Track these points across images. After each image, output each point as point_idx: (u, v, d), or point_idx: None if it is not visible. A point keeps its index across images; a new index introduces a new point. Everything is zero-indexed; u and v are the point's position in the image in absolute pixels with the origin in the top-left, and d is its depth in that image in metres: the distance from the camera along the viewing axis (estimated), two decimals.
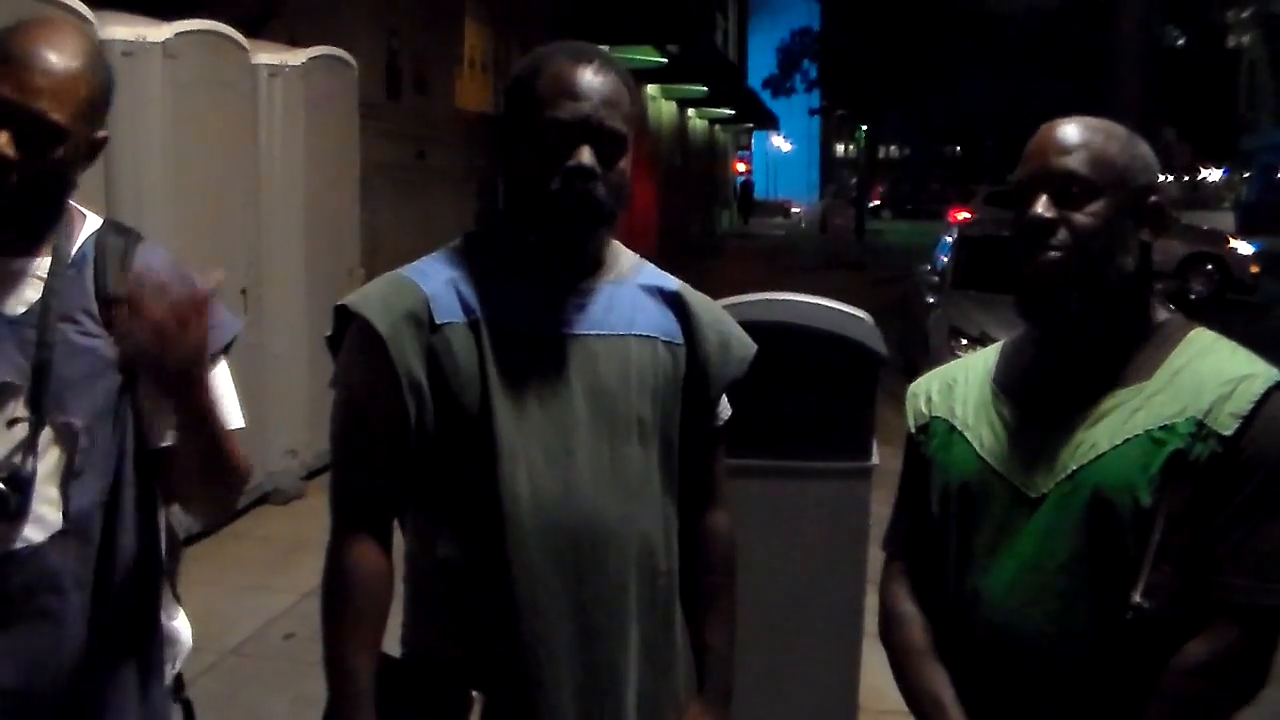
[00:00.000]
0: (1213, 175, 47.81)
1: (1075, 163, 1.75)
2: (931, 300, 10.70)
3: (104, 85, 1.87)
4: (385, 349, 1.77)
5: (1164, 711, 1.68)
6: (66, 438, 1.86)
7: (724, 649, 2.01)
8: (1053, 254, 1.74)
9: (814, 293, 3.75)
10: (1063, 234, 1.74)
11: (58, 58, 1.78)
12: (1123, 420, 1.73)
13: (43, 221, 1.87)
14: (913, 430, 1.99)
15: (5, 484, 1.80)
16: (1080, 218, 1.74)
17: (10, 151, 1.74)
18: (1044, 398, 1.82)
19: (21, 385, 1.83)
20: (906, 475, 2.01)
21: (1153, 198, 1.80)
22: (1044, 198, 1.75)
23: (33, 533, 1.84)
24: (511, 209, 1.87)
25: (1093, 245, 1.73)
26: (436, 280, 1.84)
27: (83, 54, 1.82)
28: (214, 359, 1.99)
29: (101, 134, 1.90)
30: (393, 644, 1.88)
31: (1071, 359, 1.81)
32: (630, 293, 1.92)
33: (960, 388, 1.95)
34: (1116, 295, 1.77)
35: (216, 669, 4.69)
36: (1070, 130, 1.79)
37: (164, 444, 1.97)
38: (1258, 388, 1.68)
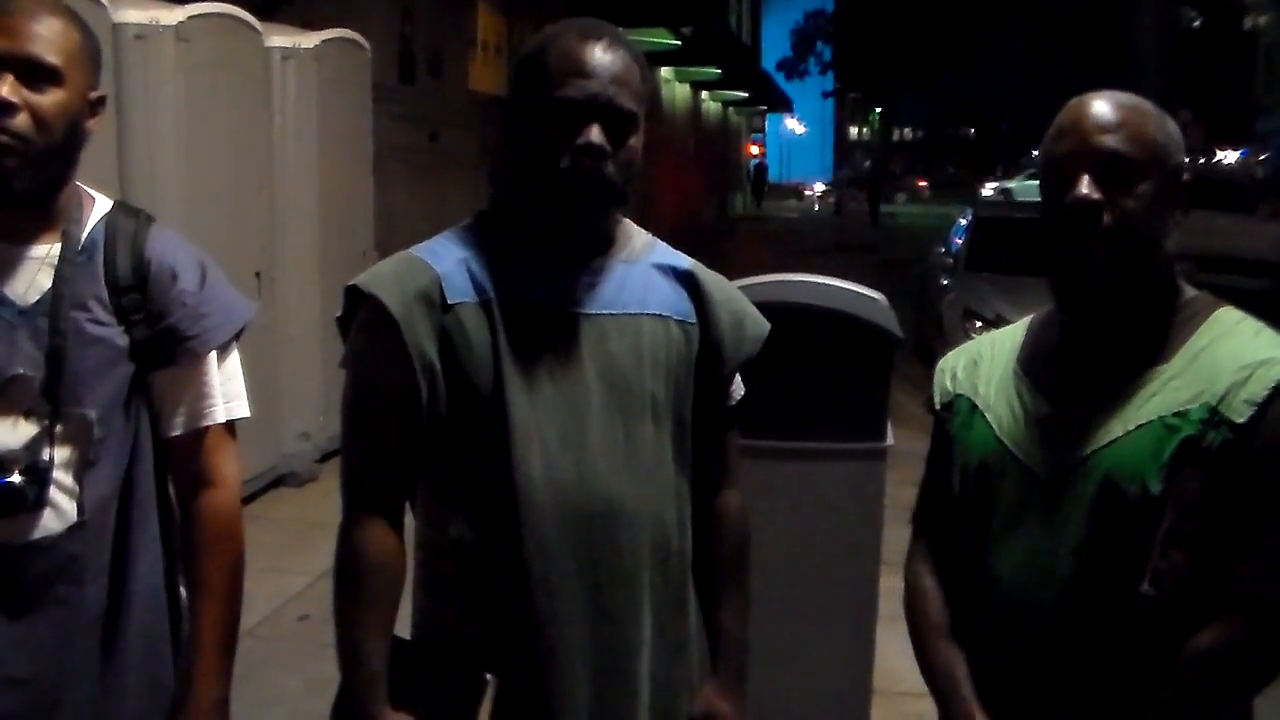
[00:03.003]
0: (1229, 157, 47.40)
1: (1118, 141, 1.68)
2: (945, 282, 10.66)
3: (91, 39, 1.89)
4: (398, 330, 1.76)
5: (1175, 700, 1.66)
6: (81, 429, 1.85)
7: (738, 630, 2.00)
8: (1100, 242, 1.68)
9: (828, 274, 3.74)
10: (1106, 218, 1.67)
11: (43, 10, 1.81)
12: (1138, 405, 1.71)
13: (56, 183, 1.86)
14: (938, 407, 1.97)
15: (23, 475, 1.80)
16: (1130, 202, 1.67)
17: (15, 97, 1.75)
18: (1064, 380, 1.80)
19: (35, 376, 1.82)
20: (933, 452, 1.99)
21: (1185, 176, 1.75)
22: (1086, 178, 1.68)
23: (51, 523, 1.84)
24: (521, 188, 1.85)
25: (1141, 231, 1.68)
26: (448, 260, 1.83)
27: (65, 10, 1.85)
28: (226, 347, 1.99)
29: (98, 92, 1.90)
30: (403, 628, 1.87)
31: (1099, 342, 1.78)
32: (643, 271, 1.90)
33: (985, 365, 1.93)
34: (1157, 280, 1.73)
35: None
36: (1107, 107, 1.72)
37: (175, 433, 1.97)
38: (1273, 374, 1.64)
